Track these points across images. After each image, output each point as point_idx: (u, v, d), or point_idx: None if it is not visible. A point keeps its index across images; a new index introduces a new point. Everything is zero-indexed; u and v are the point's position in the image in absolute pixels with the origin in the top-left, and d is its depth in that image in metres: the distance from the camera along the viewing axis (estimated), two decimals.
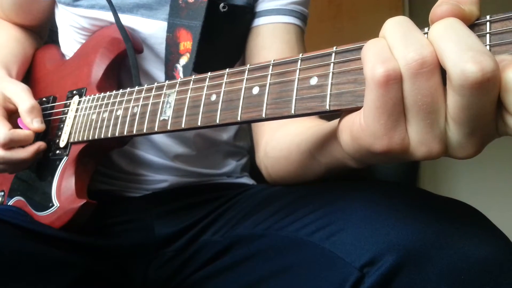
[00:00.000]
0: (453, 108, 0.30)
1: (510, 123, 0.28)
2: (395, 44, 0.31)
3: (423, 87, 0.30)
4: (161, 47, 0.67)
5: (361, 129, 0.34)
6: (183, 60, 0.64)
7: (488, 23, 0.30)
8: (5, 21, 0.85)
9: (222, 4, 0.66)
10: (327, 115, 0.39)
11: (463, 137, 0.31)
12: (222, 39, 0.68)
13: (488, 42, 0.30)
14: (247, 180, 0.80)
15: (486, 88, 0.27)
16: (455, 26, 0.29)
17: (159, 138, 0.70)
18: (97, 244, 0.63)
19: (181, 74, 0.65)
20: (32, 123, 0.64)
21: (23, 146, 0.63)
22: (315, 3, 0.77)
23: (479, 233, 0.40)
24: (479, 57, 0.27)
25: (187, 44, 0.64)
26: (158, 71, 0.69)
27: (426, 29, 0.32)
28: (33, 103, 0.65)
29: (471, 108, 0.29)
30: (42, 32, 0.90)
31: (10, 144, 0.61)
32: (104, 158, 0.68)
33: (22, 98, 0.65)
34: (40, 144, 0.64)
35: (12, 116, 0.66)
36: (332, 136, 0.45)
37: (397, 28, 0.31)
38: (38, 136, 0.66)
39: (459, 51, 0.28)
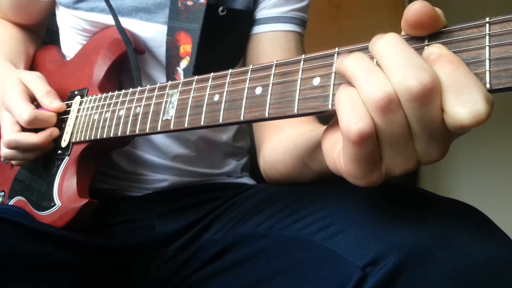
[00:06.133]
0: (412, 124, 0.32)
1: (452, 114, 0.30)
2: (363, 91, 0.32)
3: (393, 123, 0.32)
4: (160, 50, 0.68)
5: (342, 170, 0.36)
6: (184, 64, 0.65)
7: (487, 24, 0.31)
8: (5, 21, 0.85)
9: (221, 8, 0.66)
10: (327, 116, 0.40)
11: (427, 145, 0.33)
12: (222, 42, 0.68)
13: (487, 43, 0.31)
14: (247, 180, 0.80)
15: (430, 97, 0.30)
16: (396, 44, 0.32)
17: (159, 139, 0.71)
18: (98, 243, 0.63)
19: (182, 77, 0.65)
20: (52, 103, 0.65)
21: (36, 132, 0.63)
22: (315, 3, 0.77)
23: (481, 233, 0.40)
24: (419, 73, 0.30)
25: (187, 47, 0.64)
26: (159, 74, 0.70)
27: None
28: (49, 88, 0.66)
29: (423, 118, 0.31)
30: (41, 31, 0.90)
31: (35, 123, 0.62)
32: (104, 158, 0.68)
33: (38, 85, 0.66)
34: (53, 130, 0.64)
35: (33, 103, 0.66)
36: (320, 146, 0.45)
37: (357, 70, 0.33)
38: None
39: (402, 70, 0.31)
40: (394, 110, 0.31)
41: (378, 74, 0.32)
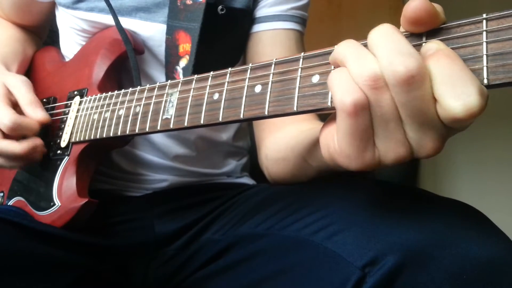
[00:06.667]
0: (400, 108, 0.33)
1: (445, 105, 0.31)
2: (352, 70, 0.33)
3: (382, 102, 0.33)
4: (159, 50, 0.68)
5: (336, 152, 0.36)
6: (183, 62, 0.65)
7: (484, 21, 0.31)
8: (5, 21, 0.85)
9: (220, 7, 0.66)
10: (328, 114, 0.40)
11: (417, 134, 0.33)
12: (222, 41, 0.68)
13: (484, 39, 0.31)
14: (247, 180, 0.80)
15: (414, 83, 0.31)
16: (388, 33, 0.33)
17: (159, 139, 0.71)
18: (97, 244, 0.63)
19: (181, 76, 0.65)
20: (35, 112, 0.63)
21: (23, 138, 0.62)
22: (315, 3, 0.77)
23: (481, 234, 0.40)
24: (406, 59, 0.31)
25: (186, 46, 0.64)
26: (158, 73, 0.70)
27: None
28: (33, 97, 0.64)
29: (410, 103, 0.32)
30: (42, 33, 0.90)
31: (17, 129, 0.60)
32: (104, 158, 0.68)
33: (23, 92, 0.64)
34: (36, 140, 0.62)
35: (15, 110, 0.64)
36: (318, 143, 0.45)
37: (348, 54, 0.34)
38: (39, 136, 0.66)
39: (390, 55, 0.32)
40: (381, 89, 0.32)
41: (367, 55, 0.33)
